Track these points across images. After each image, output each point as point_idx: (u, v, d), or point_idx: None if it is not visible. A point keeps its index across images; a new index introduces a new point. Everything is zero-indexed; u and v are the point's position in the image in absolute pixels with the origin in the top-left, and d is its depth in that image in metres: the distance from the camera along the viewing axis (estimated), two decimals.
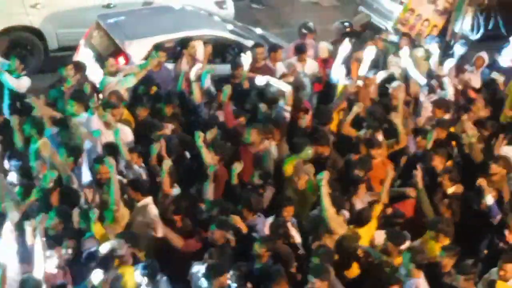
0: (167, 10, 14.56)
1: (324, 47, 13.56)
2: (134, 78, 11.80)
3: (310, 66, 13.12)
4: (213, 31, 13.77)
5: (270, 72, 12.56)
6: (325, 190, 9.45)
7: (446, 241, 9.45)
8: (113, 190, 9.30)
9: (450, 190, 10.33)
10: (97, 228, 9.06)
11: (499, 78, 13.21)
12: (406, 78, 13.11)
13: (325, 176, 9.50)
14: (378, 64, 13.45)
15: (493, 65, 13.88)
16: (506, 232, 9.75)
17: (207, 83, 11.91)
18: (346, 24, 14.26)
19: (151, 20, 13.95)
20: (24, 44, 14.73)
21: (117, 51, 12.99)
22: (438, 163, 10.70)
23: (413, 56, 13.57)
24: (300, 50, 13.11)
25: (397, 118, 11.23)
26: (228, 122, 11.25)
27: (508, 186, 10.64)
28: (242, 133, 10.88)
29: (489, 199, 10.03)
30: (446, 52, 14.44)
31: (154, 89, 11.90)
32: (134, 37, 13.26)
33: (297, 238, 9.55)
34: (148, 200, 9.66)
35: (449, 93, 12.51)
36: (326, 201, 9.40)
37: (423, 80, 12.92)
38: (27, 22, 14.74)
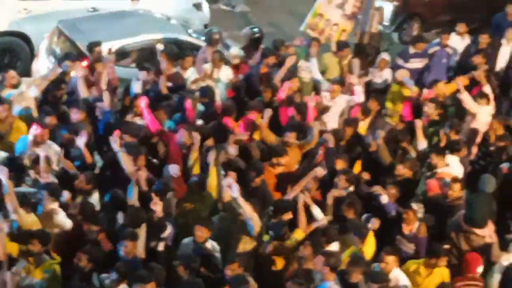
0: (126, 15, 14.86)
1: (236, 53, 13.69)
2: (36, 89, 11.70)
3: (225, 72, 13.23)
4: (171, 34, 14.17)
5: (181, 79, 12.73)
6: (241, 198, 9.57)
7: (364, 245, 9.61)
8: (7, 199, 9.05)
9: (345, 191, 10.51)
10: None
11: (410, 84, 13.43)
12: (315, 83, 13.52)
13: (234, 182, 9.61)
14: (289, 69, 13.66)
15: (394, 68, 14.09)
16: (403, 225, 10.12)
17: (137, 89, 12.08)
18: (256, 30, 14.42)
19: (112, 25, 14.18)
20: (11, 49, 14.80)
21: (80, 56, 13.02)
22: (341, 164, 10.90)
23: (326, 60, 13.91)
24: (221, 57, 13.19)
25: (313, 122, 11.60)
26: (151, 128, 11.23)
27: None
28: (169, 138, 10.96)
29: (384, 198, 10.35)
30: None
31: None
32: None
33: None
34: (55, 206, 9.50)
35: (360, 99, 12.81)
36: (248, 209, 9.54)
37: (325, 85, 13.28)
38: (15, 27, 14.80)
